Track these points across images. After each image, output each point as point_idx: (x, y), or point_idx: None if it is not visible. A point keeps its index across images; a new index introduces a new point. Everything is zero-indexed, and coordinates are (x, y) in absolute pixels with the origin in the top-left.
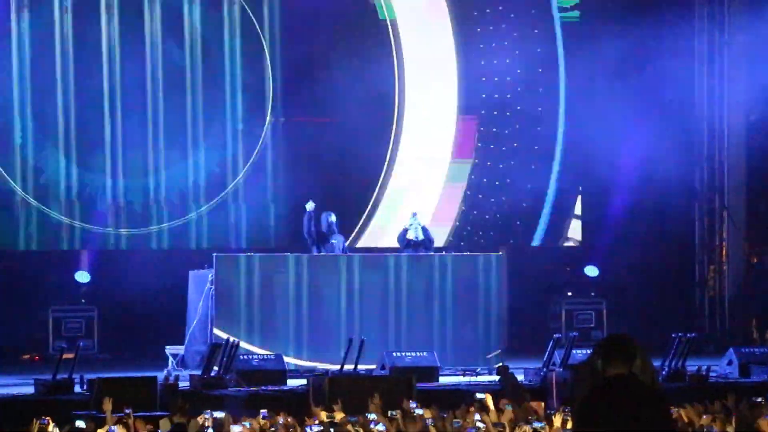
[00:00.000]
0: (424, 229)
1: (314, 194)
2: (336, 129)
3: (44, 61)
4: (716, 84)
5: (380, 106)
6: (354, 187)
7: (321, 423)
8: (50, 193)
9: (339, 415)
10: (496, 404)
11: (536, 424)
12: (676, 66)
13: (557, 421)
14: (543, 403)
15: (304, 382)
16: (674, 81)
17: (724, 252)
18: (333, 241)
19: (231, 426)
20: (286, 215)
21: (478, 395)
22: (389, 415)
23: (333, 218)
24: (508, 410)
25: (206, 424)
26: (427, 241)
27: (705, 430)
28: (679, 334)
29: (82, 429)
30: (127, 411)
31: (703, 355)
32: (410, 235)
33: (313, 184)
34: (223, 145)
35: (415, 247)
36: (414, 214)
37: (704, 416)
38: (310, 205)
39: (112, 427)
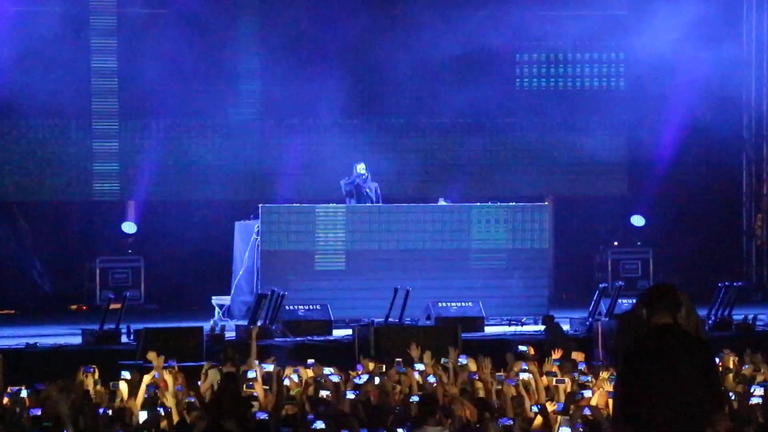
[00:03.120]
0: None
1: None
2: None
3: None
4: (765, 31)
5: None
6: None
7: (368, 372)
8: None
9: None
10: (540, 354)
11: (582, 378)
12: (722, 13)
13: (604, 375)
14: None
15: (349, 332)
16: (721, 29)
17: None
18: (366, 190)
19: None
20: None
21: (521, 347)
22: (442, 361)
23: (362, 166)
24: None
25: (257, 374)
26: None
27: (747, 378)
28: (726, 283)
29: (127, 380)
30: (171, 363)
31: (750, 303)
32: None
33: None
34: None
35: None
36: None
37: (746, 365)
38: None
39: (157, 374)
